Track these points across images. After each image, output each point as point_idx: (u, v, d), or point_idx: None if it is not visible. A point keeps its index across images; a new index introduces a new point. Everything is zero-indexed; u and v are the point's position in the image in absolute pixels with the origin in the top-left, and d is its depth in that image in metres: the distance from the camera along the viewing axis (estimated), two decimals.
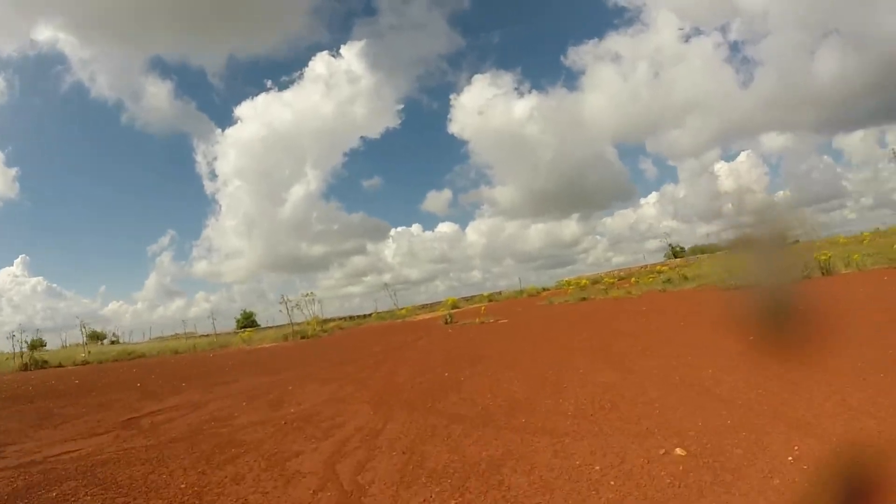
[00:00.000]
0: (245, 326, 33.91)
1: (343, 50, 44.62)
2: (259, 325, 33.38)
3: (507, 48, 45.63)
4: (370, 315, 31.85)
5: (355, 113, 40.79)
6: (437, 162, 47.51)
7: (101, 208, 46.44)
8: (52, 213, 44.10)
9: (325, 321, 30.39)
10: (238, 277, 43.36)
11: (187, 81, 45.85)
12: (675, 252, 36.41)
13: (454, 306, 27.86)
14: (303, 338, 22.35)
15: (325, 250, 43.66)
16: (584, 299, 20.08)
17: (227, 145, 41.21)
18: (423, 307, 32.71)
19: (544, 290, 34.91)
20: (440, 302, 29.46)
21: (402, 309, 28.36)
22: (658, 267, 31.29)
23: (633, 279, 25.10)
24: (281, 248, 41.23)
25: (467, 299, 34.90)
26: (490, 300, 31.26)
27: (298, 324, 27.60)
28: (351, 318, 32.04)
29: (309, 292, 27.11)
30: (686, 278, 20.04)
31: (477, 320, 16.40)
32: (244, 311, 39.21)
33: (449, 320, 18.06)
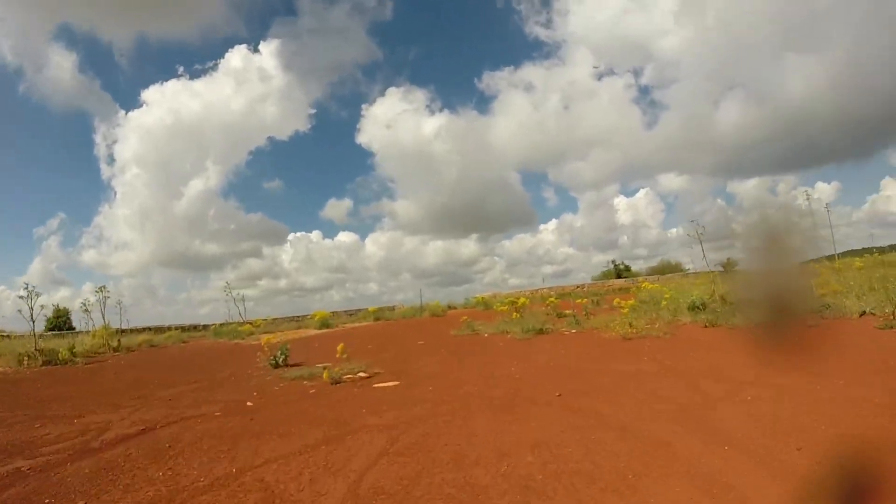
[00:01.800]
0: (55, 328, 24.55)
1: (262, 46, 43.56)
2: (73, 329, 23.79)
3: (423, 64, 47.07)
4: (208, 327, 22.45)
5: (266, 112, 40.45)
6: (340, 170, 48.05)
7: None
8: None
9: (139, 332, 20.62)
10: (127, 271, 41.15)
11: (93, 56, 42.24)
12: (619, 271, 31.47)
13: (324, 323, 19.50)
14: (46, 363, 12.87)
15: (221, 250, 42.20)
16: (541, 332, 12.62)
17: (130, 129, 39.37)
18: (292, 320, 23.95)
19: (451, 308, 27.79)
20: (313, 315, 20.89)
21: (245, 324, 19.41)
22: (611, 286, 25.49)
23: (606, 299, 18.38)
24: (174, 243, 39.72)
25: (350, 313, 26.63)
26: (377, 318, 23.20)
27: (81, 333, 17.75)
28: (157, 330, 22.43)
29: (101, 287, 17.33)
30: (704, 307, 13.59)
31: (325, 375, 8.11)
32: (57, 308, 28.74)
33: (279, 360, 9.77)
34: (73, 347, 13.68)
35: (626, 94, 40.59)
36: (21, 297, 13.15)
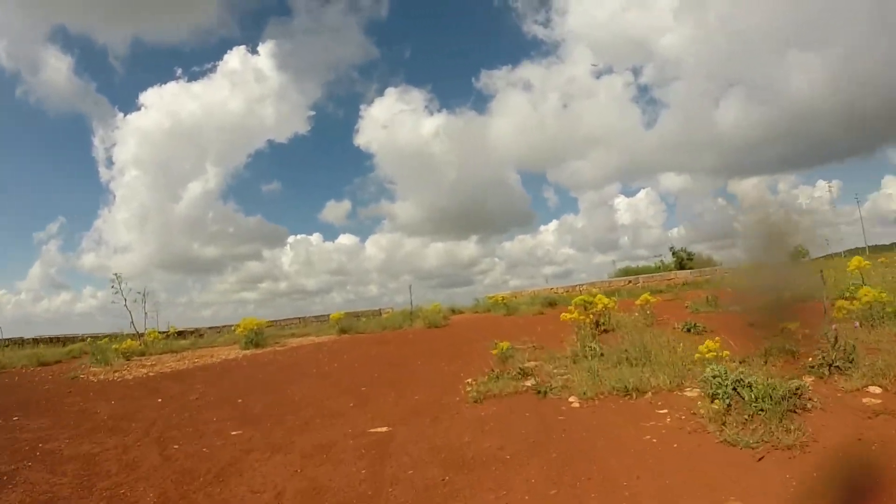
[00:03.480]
0: None
1: (260, 48, 44.30)
2: None
3: (419, 64, 47.45)
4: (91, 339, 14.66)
5: (265, 114, 41.22)
6: (339, 172, 48.34)
7: None
8: None
9: None
10: (128, 274, 31.90)
11: (88, 59, 43.00)
12: (681, 261, 23.95)
13: (252, 340, 11.88)
14: None
15: (220, 252, 43.66)
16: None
17: (128, 132, 40.17)
18: (215, 329, 16.34)
19: (455, 312, 20.23)
20: (236, 326, 13.28)
21: (126, 340, 11.77)
22: (674, 279, 17.84)
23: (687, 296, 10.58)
24: (174, 246, 40.92)
25: (321, 319, 18.98)
26: (342, 329, 15.57)
27: None
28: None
29: None
30: None
31: None
32: None
33: None
34: None
35: (626, 93, 40.91)
36: None
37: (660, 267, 24.98)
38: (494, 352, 8.40)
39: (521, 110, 44.04)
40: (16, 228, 45.85)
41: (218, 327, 20.41)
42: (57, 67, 42.34)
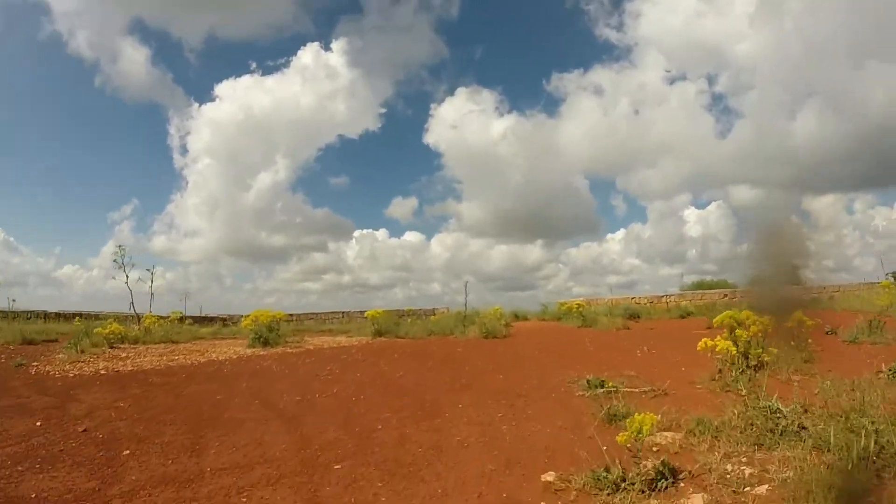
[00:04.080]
0: None
1: (333, 45, 42.43)
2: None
3: (489, 64, 44.68)
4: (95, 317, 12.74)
5: (336, 110, 39.17)
6: (407, 169, 46.29)
7: (66, 168, 43.19)
8: (14, 164, 40.64)
9: None
10: (195, 258, 42.36)
11: (165, 50, 42.54)
12: None
13: (262, 338, 9.22)
14: None
15: (286, 242, 41.95)
16: None
17: (202, 122, 38.63)
18: (221, 322, 14.02)
19: (519, 318, 16.98)
20: (246, 319, 10.69)
21: (110, 324, 9.45)
22: None
23: None
24: (241, 233, 40.11)
25: (346, 317, 16.30)
26: (378, 331, 12.74)
27: None
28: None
29: None
30: None
31: None
32: None
33: None
34: None
35: (698, 101, 37.16)
36: None
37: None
38: (585, 395, 5.17)
39: (591, 115, 39.99)
40: (92, 208, 45.55)
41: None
42: (134, 58, 40.97)
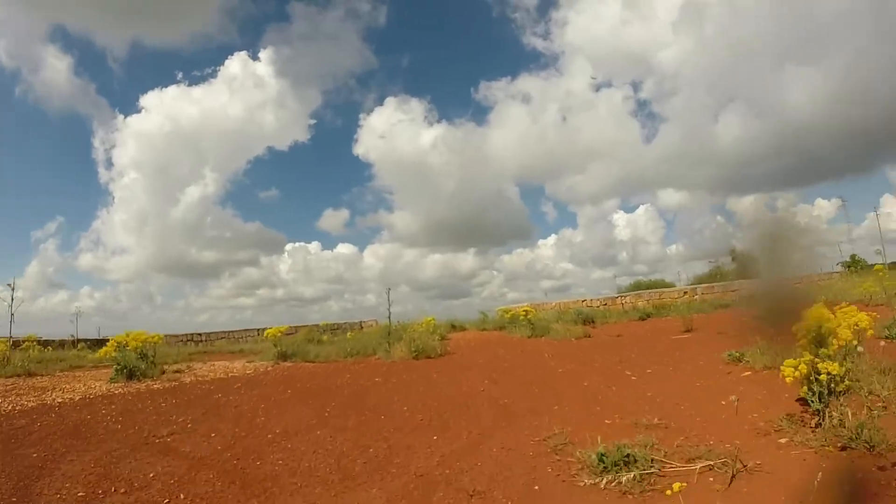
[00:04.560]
0: None
1: (262, 54, 43.14)
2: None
3: (418, 73, 46.17)
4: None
5: (265, 120, 39.96)
6: (337, 181, 46.97)
7: None
8: None
9: None
10: (124, 276, 41.70)
11: (88, 60, 41.77)
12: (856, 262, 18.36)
13: (126, 370, 5.93)
14: None
15: (217, 258, 42.31)
16: None
17: (128, 134, 38.30)
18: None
19: (457, 328, 14.55)
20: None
21: None
22: None
23: None
24: (171, 250, 39.46)
25: (249, 335, 13.23)
26: (283, 353, 9.84)
27: None
28: None
29: None
30: None
31: None
32: None
33: None
34: None
35: (625, 107, 39.83)
36: None
37: (716, 275, 19.13)
38: (597, 482, 2.72)
39: (519, 122, 42.80)
40: (14, 226, 44.66)
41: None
42: (57, 67, 40.64)
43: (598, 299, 16.39)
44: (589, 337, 10.62)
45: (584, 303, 16.19)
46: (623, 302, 16.14)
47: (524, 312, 12.67)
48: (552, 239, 46.97)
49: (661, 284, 22.04)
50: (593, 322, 13.59)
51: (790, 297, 2.77)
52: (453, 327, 15.90)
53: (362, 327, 19.12)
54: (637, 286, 22.68)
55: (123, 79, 43.87)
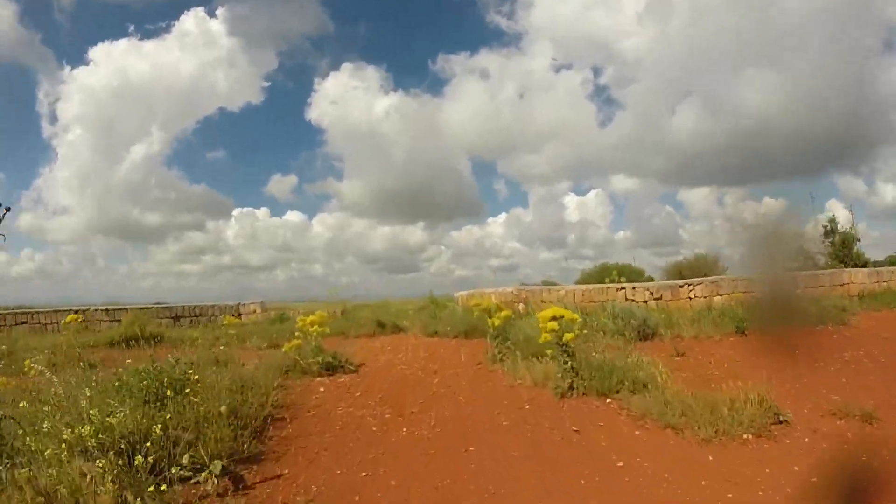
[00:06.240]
0: None
1: (218, 12, 33.61)
2: None
3: (375, 41, 38.44)
4: None
5: (217, 80, 31.63)
6: (287, 146, 38.40)
7: None
8: None
9: None
10: (65, 237, 33.81)
11: (35, 8, 32.34)
12: None
13: None
14: None
15: (161, 220, 33.27)
16: None
17: (74, 87, 30.27)
18: None
19: (386, 327, 7.53)
20: None
21: None
22: None
23: None
24: (113, 210, 31.44)
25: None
26: None
27: None
28: None
29: None
30: None
31: None
32: None
33: None
34: None
35: (582, 90, 36.27)
36: None
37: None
38: None
39: (476, 98, 40.46)
40: None
41: None
42: (1, 14, 33.55)
43: (644, 287, 9.42)
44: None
45: (623, 291, 9.21)
46: (692, 294, 9.20)
47: (521, 308, 5.66)
48: (502, 217, 44.31)
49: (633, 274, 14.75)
50: (654, 335, 6.72)
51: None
52: (380, 326, 8.87)
53: (239, 312, 11.73)
54: (604, 271, 14.36)
55: (71, 30, 40.83)
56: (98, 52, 40.24)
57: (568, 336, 4.58)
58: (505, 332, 5.87)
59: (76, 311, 10.12)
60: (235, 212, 42.03)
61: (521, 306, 8.94)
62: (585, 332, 5.57)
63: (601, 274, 14.74)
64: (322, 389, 4.93)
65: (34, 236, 40.83)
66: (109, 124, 38.96)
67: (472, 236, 44.65)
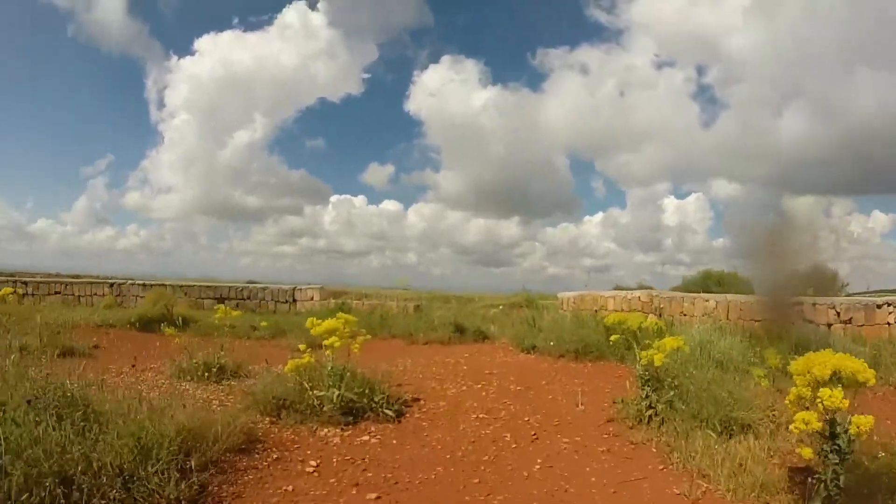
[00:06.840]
0: None
1: (320, 4, 29.71)
2: None
3: (474, 34, 31.51)
4: None
5: (318, 72, 28.06)
6: (384, 136, 35.03)
7: (39, 119, 28.44)
8: None
9: None
10: (169, 215, 31.73)
11: (143, 1, 32.10)
12: None
13: None
14: None
15: (261, 203, 30.85)
16: None
17: (181, 76, 26.90)
18: None
19: (465, 332, 5.29)
20: None
21: None
22: None
23: None
24: (216, 192, 29.11)
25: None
26: None
27: None
28: None
29: None
30: None
31: None
32: None
33: None
34: None
35: (685, 88, 29.76)
36: None
37: None
38: None
39: (575, 93, 39.30)
40: (64, 162, 39.09)
41: None
42: (110, 7, 37.76)
43: (827, 304, 6.24)
44: None
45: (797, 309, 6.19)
46: (891, 319, 6.04)
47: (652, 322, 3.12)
48: (598, 216, 41.59)
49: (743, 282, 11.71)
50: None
51: None
52: (459, 331, 6.67)
53: (294, 299, 9.99)
54: (707, 277, 12.26)
55: (179, 21, 43.29)
56: (203, 42, 43.23)
57: (833, 398, 2.02)
58: (664, 374, 3.34)
59: (111, 284, 8.87)
60: (333, 198, 43.38)
61: (651, 318, 6.31)
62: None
63: (705, 281, 13.95)
64: (315, 464, 2.67)
65: (140, 213, 44.82)
66: (214, 111, 40.82)
67: (567, 234, 42.44)
